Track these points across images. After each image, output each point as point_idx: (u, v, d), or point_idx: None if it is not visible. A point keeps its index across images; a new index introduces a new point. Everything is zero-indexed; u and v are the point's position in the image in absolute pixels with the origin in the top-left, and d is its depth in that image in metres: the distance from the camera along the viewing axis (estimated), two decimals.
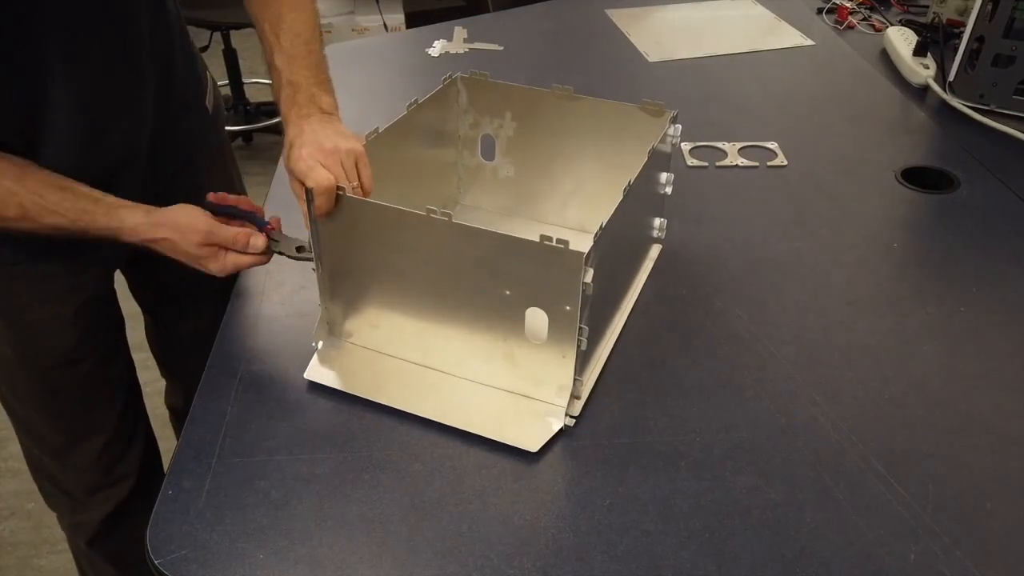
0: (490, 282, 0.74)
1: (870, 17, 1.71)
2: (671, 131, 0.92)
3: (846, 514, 0.69)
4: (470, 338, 0.79)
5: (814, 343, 0.87)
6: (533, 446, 0.74)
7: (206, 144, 1.08)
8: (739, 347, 0.86)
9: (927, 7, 1.65)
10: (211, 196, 0.87)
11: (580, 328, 0.72)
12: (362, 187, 0.79)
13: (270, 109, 3.14)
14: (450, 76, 0.98)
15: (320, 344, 0.84)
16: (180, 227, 0.82)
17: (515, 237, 0.70)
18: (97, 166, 0.87)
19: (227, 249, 0.83)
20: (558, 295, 0.71)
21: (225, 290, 0.94)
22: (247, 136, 3.14)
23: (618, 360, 0.84)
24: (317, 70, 0.89)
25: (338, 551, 0.66)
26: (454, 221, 0.71)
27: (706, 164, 1.19)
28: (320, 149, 0.78)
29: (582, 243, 0.68)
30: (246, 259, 0.84)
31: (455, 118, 1.02)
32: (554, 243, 0.68)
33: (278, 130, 3.05)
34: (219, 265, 0.83)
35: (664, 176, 0.95)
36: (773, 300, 0.93)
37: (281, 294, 0.93)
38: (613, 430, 0.77)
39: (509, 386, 0.79)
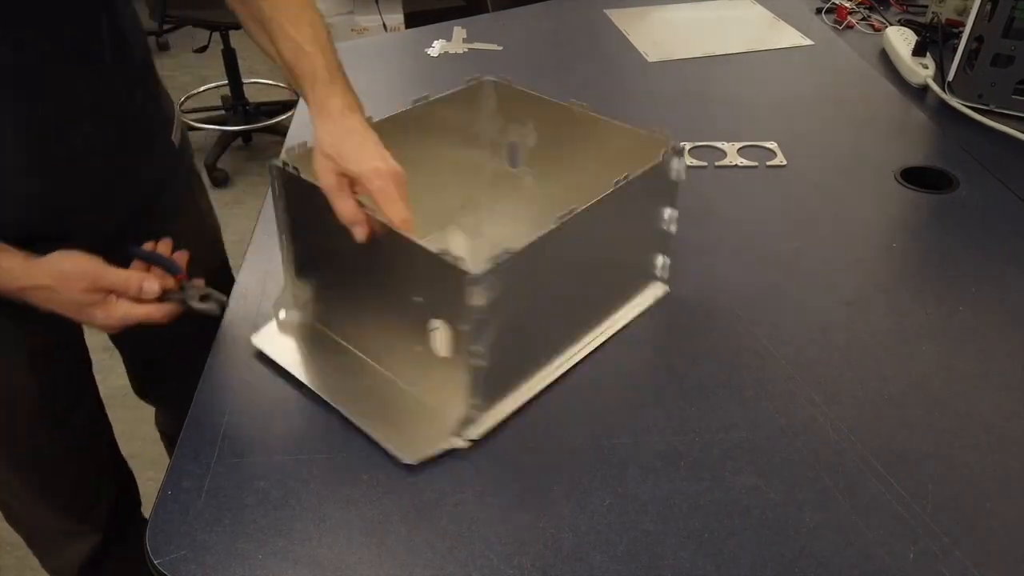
0: (405, 286, 0.73)
1: (869, 17, 1.71)
2: (675, 164, 0.85)
3: (845, 514, 0.69)
4: (393, 336, 0.78)
5: (813, 343, 0.87)
6: (410, 457, 0.71)
7: (173, 182, 1.01)
8: (738, 347, 0.86)
9: (926, 7, 1.65)
10: (146, 245, 0.84)
11: (473, 350, 0.69)
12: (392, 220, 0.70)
13: (270, 109, 3.14)
14: (476, 78, 0.97)
15: (282, 314, 0.85)
16: (64, 274, 0.75)
17: (416, 243, 0.68)
18: (45, 210, 0.82)
19: (117, 296, 0.76)
20: (456, 312, 0.69)
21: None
22: (247, 136, 3.14)
23: (618, 360, 0.84)
24: (330, 57, 0.79)
25: (337, 551, 0.66)
26: (374, 216, 0.71)
27: (705, 164, 1.19)
28: (344, 169, 0.71)
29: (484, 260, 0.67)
30: (139, 310, 0.77)
31: (484, 120, 1.00)
32: (447, 259, 0.66)
33: (278, 130, 3.05)
34: (105, 314, 0.76)
35: (668, 212, 0.89)
36: (772, 300, 0.93)
37: (280, 293, 0.93)
38: (612, 430, 0.77)
39: (420, 392, 0.78)
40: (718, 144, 1.23)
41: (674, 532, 0.68)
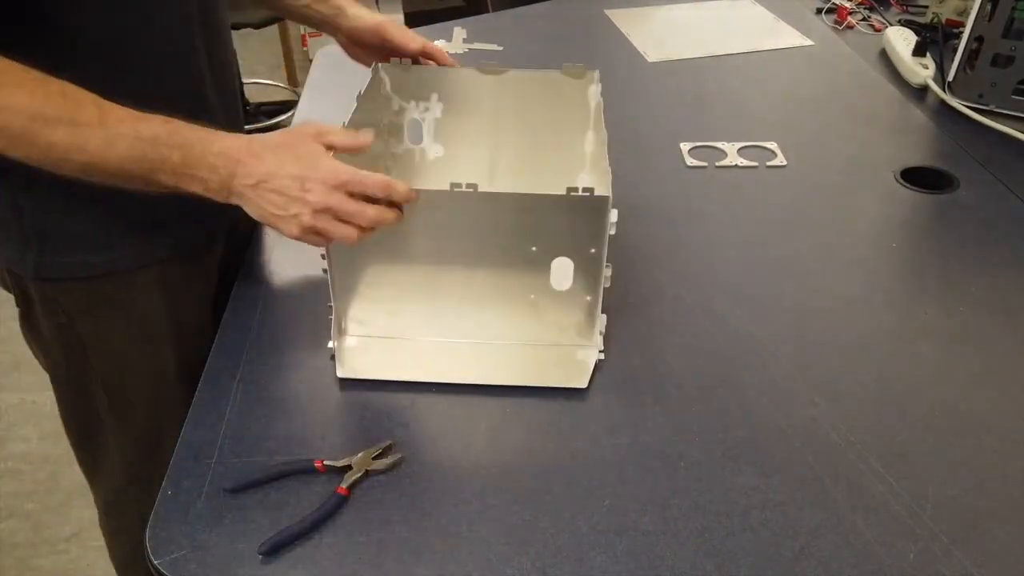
0: (516, 242, 0.78)
1: (869, 17, 1.71)
2: (592, 91, 0.96)
3: (845, 514, 0.69)
4: (495, 301, 0.82)
5: (813, 343, 0.87)
6: (582, 382, 0.80)
7: None
8: (738, 347, 0.86)
9: (926, 7, 1.65)
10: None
11: (606, 266, 0.78)
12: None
13: (270, 109, 3.14)
14: (375, 65, 0.99)
15: (336, 344, 0.84)
16: (287, 131, 0.76)
17: (543, 194, 0.75)
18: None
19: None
20: (584, 241, 0.77)
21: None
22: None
23: (618, 360, 0.84)
24: None
25: (337, 551, 0.66)
26: (481, 190, 0.74)
27: (705, 164, 1.19)
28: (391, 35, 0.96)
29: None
30: (390, 215, 0.74)
31: (381, 108, 1.02)
32: (580, 192, 0.74)
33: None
34: (333, 171, 0.73)
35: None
36: (772, 300, 0.93)
37: (281, 293, 0.93)
38: (612, 430, 0.77)
39: (535, 339, 0.84)
40: (718, 144, 1.23)
41: (674, 532, 0.68)
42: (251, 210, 0.74)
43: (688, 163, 1.19)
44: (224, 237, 0.99)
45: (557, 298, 0.81)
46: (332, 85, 0.96)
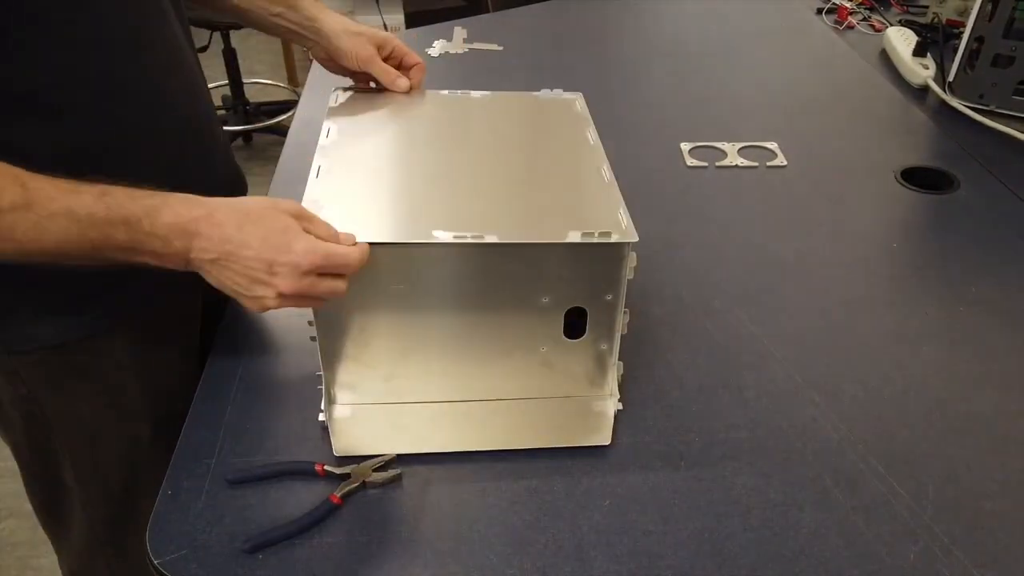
0: (527, 293, 0.72)
1: (870, 17, 1.71)
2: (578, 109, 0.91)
3: (846, 514, 0.69)
4: (504, 356, 0.75)
5: (814, 343, 0.87)
6: (605, 439, 0.75)
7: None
8: (739, 347, 0.86)
9: (927, 7, 1.65)
10: None
11: (624, 312, 0.73)
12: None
13: (270, 109, 3.14)
14: (336, 89, 0.94)
15: (333, 412, 0.76)
16: (272, 201, 0.66)
17: (556, 243, 0.69)
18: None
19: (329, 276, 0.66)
20: (600, 288, 0.72)
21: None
22: (247, 136, 3.14)
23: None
24: None
25: (338, 551, 0.66)
26: (488, 241, 0.68)
27: (705, 164, 1.19)
28: (375, 37, 0.89)
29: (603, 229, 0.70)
30: (338, 248, 0.65)
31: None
32: (596, 238, 0.69)
33: (278, 130, 3.05)
34: (308, 244, 0.64)
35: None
36: (773, 300, 0.93)
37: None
38: (613, 430, 0.77)
39: (546, 393, 0.78)
40: (718, 144, 1.23)
41: (674, 532, 0.68)
42: (212, 281, 0.66)
43: (688, 163, 1.19)
44: (196, 286, 0.82)
45: (569, 348, 0.75)
46: (333, 84, 0.96)
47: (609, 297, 0.72)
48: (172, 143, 0.81)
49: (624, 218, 0.71)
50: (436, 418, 0.77)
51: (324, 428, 0.75)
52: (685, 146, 1.22)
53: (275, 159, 1.14)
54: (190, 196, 0.66)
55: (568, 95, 0.94)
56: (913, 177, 1.16)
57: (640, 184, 0.92)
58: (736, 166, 1.19)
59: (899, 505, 0.70)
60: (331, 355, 0.74)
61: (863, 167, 1.19)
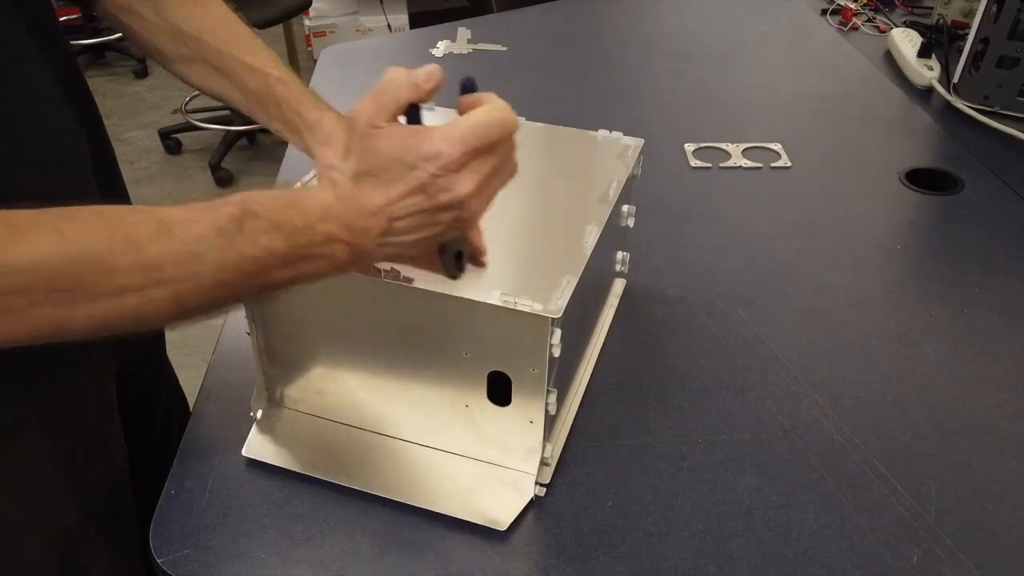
0: (448, 344, 0.67)
1: (874, 19, 1.70)
2: (631, 153, 0.85)
3: (848, 516, 0.69)
4: (428, 402, 0.71)
5: (817, 344, 0.87)
6: (502, 523, 0.67)
7: None
8: (741, 349, 0.86)
9: (931, 9, 1.65)
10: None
11: (548, 391, 0.66)
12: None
13: None
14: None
15: (259, 414, 0.76)
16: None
17: (474, 300, 0.63)
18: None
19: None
20: (522, 358, 0.65)
21: None
22: (251, 136, 3.14)
23: (620, 361, 0.84)
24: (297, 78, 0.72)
25: (340, 551, 0.66)
26: (409, 284, 0.64)
27: (709, 165, 1.19)
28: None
29: (538, 296, 0.63)
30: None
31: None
32: (515, 306, 0.62)
33: None
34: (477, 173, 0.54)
35: (626, 208, 0.87)
36: (776, 301, 0.93)
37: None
38: (615, 432, 0.77)
39: (473, 453, 0.72)
40: (722, 145, 1.23)
41: (676, 533, 0.68)
42: (391, 260, 0.59)
43: (692, 164, 1.19)
44: (109, 355, 0.77)
45: (496, 414, 0.69)
46: (337, 85, 0.96)
47: (533, 370, 0.65)
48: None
49: (564, 291, 0.64)
50: (353, 445, 0.74)
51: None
52: (689, 147, 1.22)
53: (278, 159, 1.14)
54: (314, 187, 0.58)
55: (627, 140, 0.87)
56: (917, 178, 1.16)
57: (644, 184, 0.92)
58: (740, 167, 1.19)
59: (902, 507, 0.70)
60: (264, 355, 0.73)
61: (867, 168, 1.19)
